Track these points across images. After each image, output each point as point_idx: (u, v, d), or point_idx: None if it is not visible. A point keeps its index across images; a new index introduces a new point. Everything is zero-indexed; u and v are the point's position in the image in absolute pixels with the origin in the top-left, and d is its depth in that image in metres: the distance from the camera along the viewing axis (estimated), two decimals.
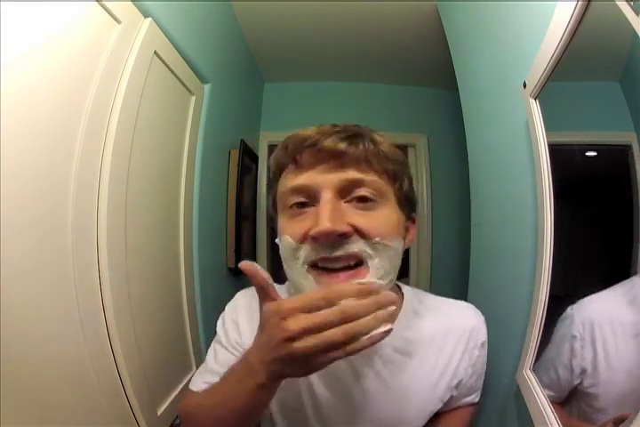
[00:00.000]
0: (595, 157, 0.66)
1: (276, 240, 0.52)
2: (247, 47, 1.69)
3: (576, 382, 0.58)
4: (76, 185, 0.63)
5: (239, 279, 1.59)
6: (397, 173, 0.51)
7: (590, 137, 0.64)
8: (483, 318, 0.69)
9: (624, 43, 0.47)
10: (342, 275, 0.46)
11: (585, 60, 0.61)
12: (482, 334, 0.66)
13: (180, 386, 0.98)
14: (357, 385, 0.57)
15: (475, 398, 0.68)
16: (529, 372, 0.74)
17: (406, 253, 2.01)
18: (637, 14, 0.40)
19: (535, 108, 0.69)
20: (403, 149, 2.17)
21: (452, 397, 0.63)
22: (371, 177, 0.48)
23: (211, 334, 1.21)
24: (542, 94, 0.68)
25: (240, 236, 1.49)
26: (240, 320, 0.62)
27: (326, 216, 0.44)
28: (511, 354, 0.83)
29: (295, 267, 0.47)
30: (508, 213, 0.93)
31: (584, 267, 0.66)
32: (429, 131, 2.15)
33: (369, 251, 0.46)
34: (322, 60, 1.88)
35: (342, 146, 0.47)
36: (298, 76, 2.05)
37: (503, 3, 0.88)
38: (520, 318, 0.81)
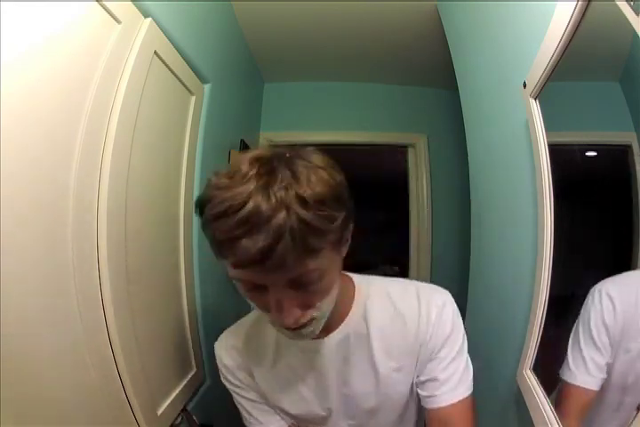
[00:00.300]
0: (595, 157, 0.66)
1: (232, 280, 0.53)
2: (247, 47, 1.68)
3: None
4: (75, 185, 0.63)
5: None
6: (333, 230, 0.48)
7: (590, 137, 0.64)
8: (437, 298, 0.67)
9: (624, 43, 0.47)
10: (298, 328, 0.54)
11: (585, 60, 0.61)
12: (428, 317, 0.65)
13: (180, 386, 0.98)
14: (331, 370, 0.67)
15: (456, 391, 0.64)
16: (529, 372, 0.74)
17: (406, 252, 2.00)
18: (637, 14, 0.40)
19: (535, 108, 0.69)
20: (403, 148, 2.19)
21: (419, 383, 0.67)
22: (310, 265, 0.47)
23: (210, 333, 1.21)
24: (542, 94, 0.68)
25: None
26: (239, 356, 0.72)
27: (283, 312, 0.50)
28: (511, 354, 0.83)
29: (263, 316, 0.59)
30: (508, 213, 0.93)
31: (584, 267, 0.66)
32: (429, 131, 2.15)
33: (315, 314, 0.54)
34: (322, 60, 1.88)
35: (277, 257, 0.44)
36: (298, 76, 2.05)
37: (503, 3, 0.88)
38: (520, 318, 0.81)
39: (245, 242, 0.43)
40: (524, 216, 0.82)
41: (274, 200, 0.43)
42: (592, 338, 0.62)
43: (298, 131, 2.10)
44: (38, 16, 0.55)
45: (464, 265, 1.27)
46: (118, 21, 0.72)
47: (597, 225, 0.65)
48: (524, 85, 0.72)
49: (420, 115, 2.16)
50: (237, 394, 0.75)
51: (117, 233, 0.74)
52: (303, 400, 0.70)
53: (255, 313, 0.78)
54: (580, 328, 0.64)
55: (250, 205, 0.43)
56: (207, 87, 1.21)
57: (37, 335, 0.55)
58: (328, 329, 0.65)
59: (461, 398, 0.64)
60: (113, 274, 0.71)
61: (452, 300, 0.68)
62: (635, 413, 0.50)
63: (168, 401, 0.90)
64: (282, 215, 0.43)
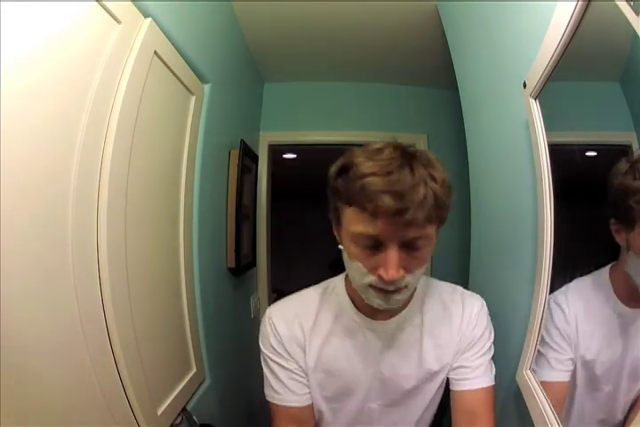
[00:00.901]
0: (595, 157, 0.66)
1: (340, 246, 0.66)
2: (247, 47, 1.68)
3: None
4: (75, 185, 0.63)
5: (239, 279, 1.59)
6: (446, 215, 0.62)
7: (590, 137, 0.64)
8: (477, 302, 0.80)
9: (624, 43, 0.47)
10: (392, 291, 0.62)
11: (585, 60, 0.61)
12: (470, 317, 0.77)
13: (180, 386, 0.98)
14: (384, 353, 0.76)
15: (483, 379, 0.75)
16: (529, 372, 0.74)
17: None
18: (637, 14, 0.40)
19: (535, 108, 0.69)
20: None
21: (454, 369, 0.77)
22: (427, 231, 0.59)
23: (210, 333, 1.21)
24: (542, 94, 0.68)
25: (240, 236, 1.49)
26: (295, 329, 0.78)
27: (394, 267, 0.58)
28: (511, 354, 0.83)
29: (361, 282, 0.63)
30: (508, 213, 0.93)
31: (584, 267, 0.66)
32: (429, 131, 2.15)
33: (411, 281, 0.62)
34: (322, 60, 1.88)
35: (414, 216, 0.55)
36: (298, 76, 2.05)
37: (503, 3, 0.88)
38: (520, 318, 0.81)
39: (391, 197, 0.54)
40: (524, 216, 0.82)
41: (417, 175, 0.56)
42: (547, 341, 0.70)
43: (298, 131, 2.10)
44: (38, 16, 0.55)
45: (464, 265, 1.27)
46: (118, 21, 0.72)
47: (597, 225, 0.65)
48: (524, 85, 0.71)
49: (420, 115, 2.16)
50: (275, 363, 0.77)
51: (117, 233, 0.74)
52: (343, 376, 0.76)
53: (316, 289, 0.82)
54: (540, 338, 0.72)
55: (398, 174, 0.55)
56: (207, 87, 1.21)
57: (37, 336, 0.55)
58: (390, 313, 0.74)
59: (486, 385, 0.74)
60: (113, 274, 0.71)
61: (486, 305, 0.81)
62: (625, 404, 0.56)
63: (168, 401, 0.90)
64: (421, 187, 0.55)
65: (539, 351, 0.72)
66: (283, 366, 0.77)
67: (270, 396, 0.79)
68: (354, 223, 0.60)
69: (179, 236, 1.06)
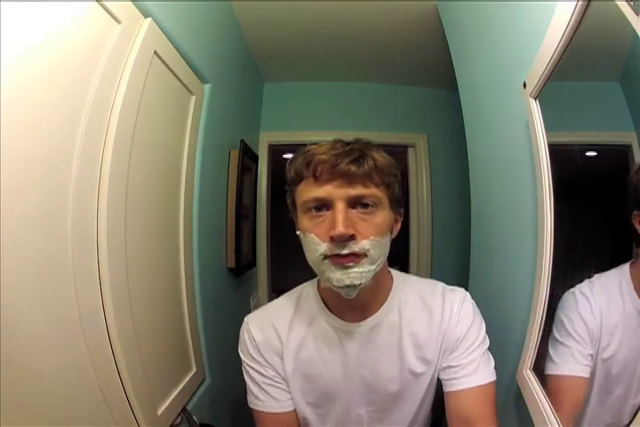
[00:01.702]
0: (595, 157, 0.66)
1: (298, 232, 0.68)
2: (247, 47, 1.68)
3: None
4: (75, 185, 0.63)
5: (239, 279, 1.59)
6: (391, 183, 0.66)
7: (590, 137, 0.64)
8: (458, 297, 0.76)
9: (624, 43, 0.47)
10: (347, 259, 0.62)
11: (585, 60, 0.61)
12: (451, 312, 0.74)
13: (180, 386, 0.98)
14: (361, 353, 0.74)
15: (475, 376, 0.70)
16: (529, 372, 0.74)
17: (406, 252, 2.03)
18: (637, 14, 0.40)
19: (535, 108, 0.69)
20: (403, 148, 2.18)
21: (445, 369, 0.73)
22: (372, 190, 0.63)
23: (210, 333, 1.21)
24: (542, 94, 0.68)
25: (240, 236, 1.49)
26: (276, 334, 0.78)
27: (341, 223, 0.60)
28: (511, 354, 0.83)
29: (316, 257, 0.64)
30: (508, 213, 0.93)
31: (584, 267, 0.66)
32: (429, 131, 2.15)
33: (367, 247, 0.62)
34: (322, 60, 1.88)
35: (353, 168, 0.62)
36: (298, 76, 2.05)
37: (503, 3, 0.88)
38: (520, 318, 0.81)
39: (328, 155, 0.63)
40: (524, 216, 0.82)
41: (357, 146, 0.65)
42: (570, 334, 0.64)
43: (298, 131, 2.10)
44: (38, 16, 0.55)
45: (464, 265, 1.27)
46: (118, 21, 0.72)
47: (597, 225, 0.65)
48: (524, 85, 0.71)
49: (420, 115, 2.16)
50: (254, 370, 0.77)
51: (117, 233, 0.74)
52: (320, 378, 0.75)
53: (289, 296, 0.83)
54: (557, 330, 0.67)
55: (339, 148, 0.65)
56: (207, 87, 1.21)
57: (37, 336, 0.55)
58: (364, 315, 0.74)
59: (481, 383, 0.69)
60: (113, 274, 0.71)
61: (470, 298, 0.78)
62: (627, 407, 0.52)
63: (168, 401, 0.90)
64: (358, 151, 0.64)
65: (557, 342, 0.66)
66: (261, 373, 0.77)
67: (252, 402, 0.78)
68: (302, 194, 0.65)
69: (179, 236, 1.06)
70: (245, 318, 0.81)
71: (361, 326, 0.73)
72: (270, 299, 2.11)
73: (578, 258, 0.69)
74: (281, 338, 0.76)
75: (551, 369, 0.67)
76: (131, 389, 0.74)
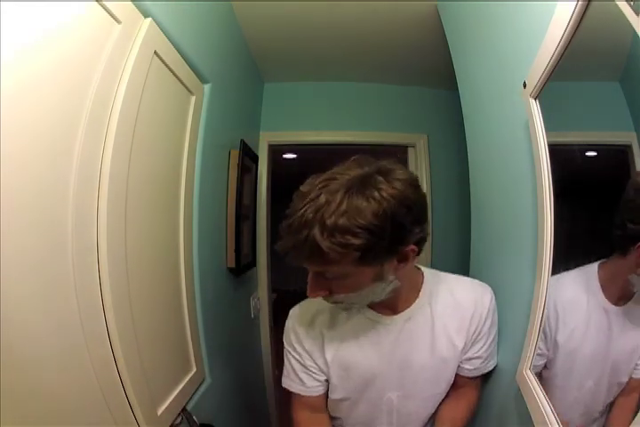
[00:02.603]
0: (595, 157, 0.66)
1: None
2: (247, 47, 1.68)
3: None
4: (75, 185, 0.63)
5: (239, 279, 1.59)
6: (350, 248, 0.60)
7: (590, 137, 0.64)
8: (486, 293, 0.86)
9: (624, 43, 0.47)
10: None
11: (585, 60, 0.61)
12: (482, 306, 0.84)
13: (180, 386, 0.98)
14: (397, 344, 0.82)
15: (489, 364, 0.87)
16: (529, 372, 0.74)
17: None
18: (637, 14, 0.40)
19: (535, 108, 0.69)
20: (403, 148, 2.18)
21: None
22: (326, 267, 0.65)
23: (210, 333, 1.21)
24: (542, 94, 0.68)
25: (240, 236, 1.48)
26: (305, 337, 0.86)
27: (309, 288, 0.69)
28: (511, 354, 0.83)
29: None
30: (508, 213, 0.93)
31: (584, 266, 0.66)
32: (429, 131, 2.15)
33: (341, 300, 0.71)
34: (322, 60, 1.88)
35: (293, 255, 0.63)
36: (298, 76, 2.05)
37: (503, 3, 0.88)
38: (520, 318, 0.81)
39: (281, 240, 0.63)
40: (524, 216, 0.82)
41: (304, 220, 0.60)
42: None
43: (298, 131, 2.10)
44: (38, 16, 0.55)
45: (464, 265, 1.27)
46: (118, 21, 0.72)
47: (597, 225, 0.65)
48: (524, 85, 0.71)
49: (420, 115, 2.16)
50: (293, 357, 0.87)
51: (117, 233, 0.74)
52: (356, 364, 0.82)
53: None
54: None
55: (292, 218, 0.62)
56: (207, 87, 1.21)
57: (37, 336, 0.55)
58: (398, 309, 0.81)
59: (492, 367, 0.88)
60: (113, 274, 0.71)
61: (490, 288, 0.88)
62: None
63: (168, 401, 0.90)
64: (303, 232, 0.59)
65: None
66: (298, 361, 0.86)
67: (287, 384, 0.89)
68: None
69: (179, 236, 1.06)
70: (291, 310, 0.88)
71: (395, 319, 0.81)
72: (270, 299, 2.11)
73: (578, 258, 0.69)
74: (322, 331, 0.84)
75: None
76: (131, 389, 0.74)
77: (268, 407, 2.05)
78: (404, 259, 0.68)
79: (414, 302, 0.81)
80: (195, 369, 1.08)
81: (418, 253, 0.70)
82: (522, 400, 0.75)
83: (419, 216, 0.65)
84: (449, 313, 0.82)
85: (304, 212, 0.60)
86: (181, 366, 1.03)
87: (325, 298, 0.71)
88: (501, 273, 0.98)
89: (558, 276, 0.66)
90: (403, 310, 0.81)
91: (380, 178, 0.61)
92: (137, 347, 0.78)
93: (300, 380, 0.87)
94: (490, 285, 1.05)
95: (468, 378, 0.88)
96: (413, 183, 0.65)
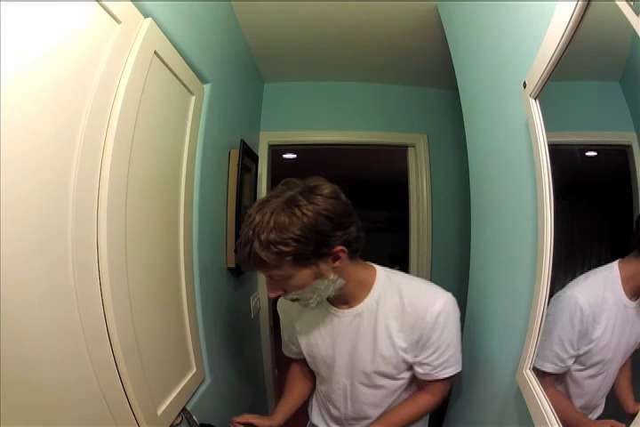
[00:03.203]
0: (595, 157, 0.66)
1: None
2: (247, 47, 1.68)
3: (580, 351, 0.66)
4: (75, 185, 0.63)
5: (239, 279, 1.59)
6: (284, 254, 0.76)
7: (590, 137, 0.64)
8: (436, 303, 0.87)
9: (624, 43, 0.47)
10: None
11: (585, 60, 0.61)
12: (428, 315, 0.86)
13: (180, 386, 0.98)
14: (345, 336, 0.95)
15: (444, 372, 0.89)
16: (529, 372, 0.74)
17: (406, 252, 2.02)
18: (637, 14, 0.40)
19: (535, 108, 0.69)
20: (403, 148, 2.19)
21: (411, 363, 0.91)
22: (271, 272, 0.81)
23: (210, 333, 1.21)
24: (542, 94, 0.68)
25: (240, 236, 1.48)
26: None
27: (267, 289, 0.88)
28: (511, 354, 0.83)
29: None
30: (508, 213, 0.93)
31: (584, 267, 0.66)
32: (429, 131, 2.15)
33: (295, 296, 0.86)
34: (322, 60, 1.88)
35: (245, 265, 0.83)
36: (298, 76, 2.05)
37: (503, 3, 0.88)
38: (520, 318, 0.81)
39: (238, 253, 0.82)
40: (524, 216, 0.82)
41: (246, 237, 0.78)
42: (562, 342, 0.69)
43: (298, 131, 2.10)
44: (38, 15, 0.55)
45: (464, 265, 1.27)
46: (118, 21, 0.72)
47: (597, 225, 0.65)
48: (524, 85, 0.71)
49: (420, 115, 2.16)
50: (283, 329, 1.09)
51: (117, 233, 0.74)
52: (317, 347, 0.98)
53: None
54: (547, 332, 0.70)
55: (241, 235, 0.80)
56: (207, 87, 1.21)
57: (37, 336, 0.55)
58: (351, 304, 0.92)
59: (447, 376, 0.90)
60: (113, 274, 0.71)
61: (453, 301, 0.88)
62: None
63: (168, 401, 0.90)
64: (247, 247, 0.77)
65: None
66: (284, 331, 1.08)
67: (283, 350, 1.12)
68: None
69: (179, 236, 1.06)
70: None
71: (347, 313, 0.92)
72: (270, 299, 2.11)
73: (578, 258, 0.69)
74: (294, 316, 1.01)
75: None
76: (131, 389, 0.74)
77: (268, 407, 2.05)
78: (336, 258, 0.82)
79: (365, 298, 0.90)
80: (195, 369, 1.08)
81: (354, 253, 0.86)
82: (522, 400, 0.75)
83: (340, 222, 0.79)
84: (393, 315, 0.88)
85: (247, 231, 0.78)
86: (181, 366, 1.03)
87: (284, 297, 0.87)
88: (501, 273, 0.98)
89: (585, 275, 0.66)
90: (354, 306, 0.91)
91: (301, 198, 0.78)
92: (137, 347, 0.78)
93: (286, 345, 1.09)
94: (490, 284, 1.05)
95: (424, 381, 0.92)
96: (334, 196, 0.80)
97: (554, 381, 0.70)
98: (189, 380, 1.03)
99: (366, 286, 0.91)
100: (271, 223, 0.75)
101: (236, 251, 0.82)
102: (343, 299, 0.91)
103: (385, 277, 0.92)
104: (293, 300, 0.86)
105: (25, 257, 0.54)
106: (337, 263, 0.82)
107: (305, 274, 0.81)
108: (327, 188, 0.80)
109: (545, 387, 0.68)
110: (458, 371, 0.91)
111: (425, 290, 0.91)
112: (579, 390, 0.67)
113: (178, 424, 0.94)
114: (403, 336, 0.88)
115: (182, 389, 0.98)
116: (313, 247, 0.77)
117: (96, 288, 0.68)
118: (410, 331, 0.87)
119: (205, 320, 1.17)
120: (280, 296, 0.91)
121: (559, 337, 0.69)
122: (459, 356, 0.91)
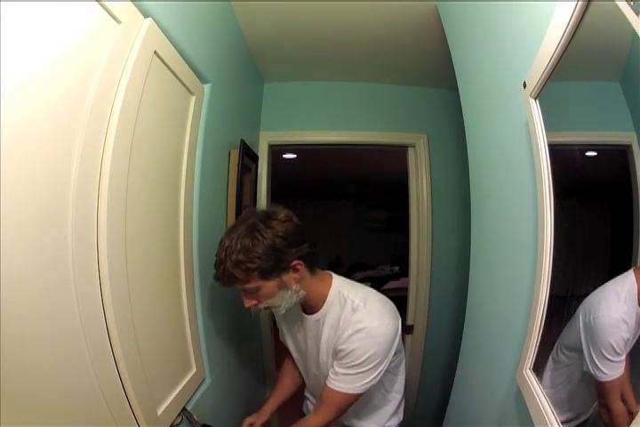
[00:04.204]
0: (595, 156, 0.66)
1: None
2: (247, 47, 1.68)
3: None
4: (76, 185, 0.63)
5: None
6: (251, 270, 0.92)
7: (590, 137, 0.64)
8: (363, 318, 0.97)
9: (624, 43, 0.47)
10: None
11: (585, 60, 0.61)
12: (350, 330, 0.97)
13: (180, 386, 0.98)
14: (303, 340, 1.14)
15: (339, 384, 0.97)
16: (529, 372, 0.74)
17: (406, 252, 2.03)
18: (637, 14, 0.40)
19: (535, 108, 0.69)
20: (403, 148, 2.19)
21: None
22: (243, 286, 0.96)
23: (210, 333, 1.21)
24: (542, 94, 0.68)
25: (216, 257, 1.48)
26: None
27: (243, 301, 1.01)
28: (511, 354, 0.83)
29: None
30: (509, 213, 0.93)
31: (584, 267, 0.67)
32: (429, 131, 2.15)
33: (267, 305, 1.00)
34: (322, 60, 1.88)
35: (221, 281, 0.98)
36: (298, 76, 2.05)
37: (503, 3, 0.88)
38: (520, 318, 0.81)
39: (215, 271, 0.97)
40: (524, 216, 0.82)
41: (219, 258, 0.94)
42: (618, 353, 0.62)
43: (298, 131, 2.10)
44: (38, 15, 0.55)
45: (464, 265, 1.27)
46: (118, 21, 0.72)
47: (597, 225, 0.65)
48: (524, 85, 0.71)
49: (420, 115, 2.16)
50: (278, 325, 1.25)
51: (117, 233, 0.74)
52: (295, 343, 1.17)
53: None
54: (606, 351, 0.64)
55: (216, 257, 0.96)
56: (207, 87, 1.21)
57: (37, 336, 0.55)
58: (314, 311, 1.06)
59: (340, 390, 0.97)
60: (113, 274, 0.71)
61: (388, 328, 0.97)
62: None
63: (168, 401, 0.90)
64: (221, 267, 0.93)
65: (607, 359, 0.65)
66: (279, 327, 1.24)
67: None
68: None
69: (179, 236, 1.06)
70: None
71: (310, 318, 1.07)
72: None
73: (578, 258, 0.69)
74: (280, 316, 1.17)
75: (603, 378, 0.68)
76: (131, 389, 0.74)
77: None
78: (296, 270, 0.97)
79: (320, 309, 1.05)
80: (195, 369, 1.08)
81: (311, 265, 1.01)
82: (522, 400, 0.75)
83: (293, 240, 0.95)
84: (330, 324, 1.03)
85: (220, 253, 0.94)
86: (181, 366, 1.03)
87: (259, 306, 1.00)
88: (501, 273, 0.98)
89: (601, 288, 0.63)
90: (315, 313, 1.06)
91: (261, 224, 0.93)
92: (137, 347, 0.78)
93: (283, 338, 1.23)
94: (489, 284, 1.05)
95: (326, 392, 1.00)
96: (287, 219, 0.96)
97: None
98: (189, 380, 1.03)
99: (322, 297, 1.04)
100: (238, 246, 0.91)
101: (214, 269, 0.97)
102: (308, 306, 1.07)
103: (336, 291, 1.04)
104: (266, 308, 1.01)
105: (25, 256, 0.54)
106: (297, 275, 0.97)
107: (271, 285, 0.95)
108: (281, 213, 0.97)
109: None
110: (347, 392, 0.96)
111: (365, 311, 0.98)
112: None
113: (178, 424, 0.94)
114: (332, 345, 1.02)
115: (182, 389, 0.98)
116: (273, 263, 0.92)
117: (96, 288, 0.68)
118: (335, 342, 1.00)
119: (205, 320, 1.17)
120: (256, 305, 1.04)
121: (621, 351, 0.63)
122: (359, 383, 0.96)
